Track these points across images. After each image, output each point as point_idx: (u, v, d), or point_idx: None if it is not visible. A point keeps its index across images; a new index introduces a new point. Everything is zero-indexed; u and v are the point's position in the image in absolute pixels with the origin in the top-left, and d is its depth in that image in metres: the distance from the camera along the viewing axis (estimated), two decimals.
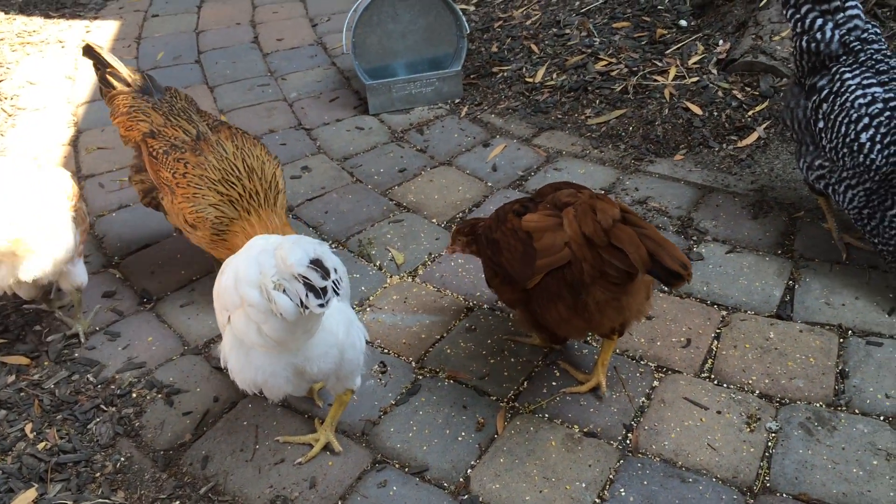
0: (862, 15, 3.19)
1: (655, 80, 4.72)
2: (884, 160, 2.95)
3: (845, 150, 3.07)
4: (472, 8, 6.12)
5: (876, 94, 3.02)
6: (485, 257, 2.86)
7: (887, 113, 2.97)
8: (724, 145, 4.23)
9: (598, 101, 4.70)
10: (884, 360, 2.90)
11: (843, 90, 3.11)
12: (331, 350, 2.38)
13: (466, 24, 4.94)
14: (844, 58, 3.18)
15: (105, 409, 2.92)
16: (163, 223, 3.91)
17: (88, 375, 3.07)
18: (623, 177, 4.06)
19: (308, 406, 2.88)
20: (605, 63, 4.97)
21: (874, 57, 3.13)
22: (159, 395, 2.96)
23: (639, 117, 4.50)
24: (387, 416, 2.83)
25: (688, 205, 3.83)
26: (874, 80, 3.06)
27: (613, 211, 2.36)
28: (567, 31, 5.39)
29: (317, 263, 2.10)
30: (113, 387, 3.01)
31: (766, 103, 4.36)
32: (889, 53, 3.16)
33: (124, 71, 3.51)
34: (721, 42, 4.88)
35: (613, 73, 4.86)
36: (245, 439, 2.76)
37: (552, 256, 2.47)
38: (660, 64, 4.86)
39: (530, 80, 5.01)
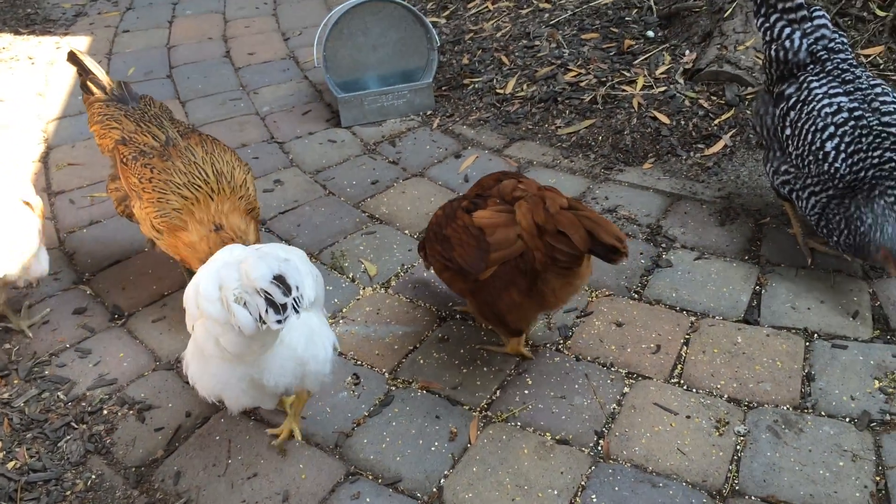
0: (829, 24, 3.28)
1: (624, 91, 4.78)
2: (847, 169, 3.02)
3: (811, 158, 3.13)
4: (443, 20, 6.17)
5: (842, 104, 3.09)
6: (434, 252, 2.93)
7: (851, 122, 3.04)
8: (692, 153, 4.29)
9: (567, 112, 4.75)
10: (849, 363, 2.96)
11: (810, 98, 3.17)
12: (287, 363, 2.38)
13: (437, 37, 4.97)
14: (812, 66, 3.25)
15: (76, 426, 2.90)
16: (134, 238, 3.90)
17: (59, 393, 3.05)
18: (593, 186, 4.10)
19: (281, 420, 2.88)
20: (574, 74, 5.03)
21: (840, 66, 3.20)
22: (131, 412, 2.95)
23: (608, 127, 4.55)
24: (360, 427, 2.84)
25: (657, 212, 3.88)
26: (840, 90, 3.13)
27: (561, 200, 2.55)
28: (537, 42, 5.44)
29: (279, 280, 2.12)
30: (84, 404, 3.00)
31: (731, 112, 4.44)
32: (854, 63, 3.23)
33: (104, 79, 3.55)
34: (687, 52, 4.96)
35: (583, 84, 4.92)
36: (217, 454, 2.75)
37: (506, 250, 2.62)
38: (628, 74, 4.92)
39: (501, 91, 5.05)
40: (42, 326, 3.39)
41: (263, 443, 2.79)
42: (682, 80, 4.74)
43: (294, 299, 2.12)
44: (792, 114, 3.22)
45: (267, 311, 2.08)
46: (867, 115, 3.04)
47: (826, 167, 3.08)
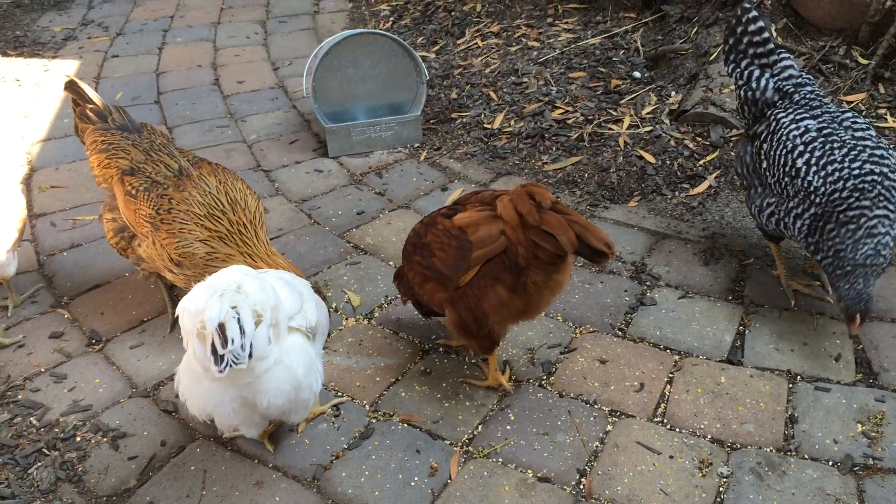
0: (794, 66, 3.41)
1: (610, 129, 4.82)
2: (821, 181, 3.03)
3: (786, 180, 3.16)
4: (432, 55, 6.21)
5: (809, 125, 3.17)
6: (413, 264, 2.93)
7: (821, 139, 3.10)
8: (677, 193, 4.32)
9: (554, 148, 4.78)
10: (832, 406, 2.95)
11: (778, 128, 3.26)
12: (284, 385, 2.38)
13: (426, 71, 5.00)
14: (780, 102, 3.36)
15: (47, 453, 2.83)
16: (114, 263, 3.85)
17: (31, 418, 2.98)
18: None
19: (258, 451, 2.83)
20: (561, 111, 5.07)
21: (807, 97, 3.32)
22: (104, 439, 2.88)
23: (594, 164, 4.58)
24: (339, 460, 2.79)
25: (641, 251, 3.89)
26: (807, 115, 3.22)
27: (549, 194, 2.57)
28: (525, 79, 5.49)
29: (221, 329, 2.09)
30: (56, 430, 2.93)
31: (716, 153, 4.48)
32: (821, 94, 3.35)
33: (102, 106, 3.46)
34: (673, 93, 5.02)
35: (570, 121, 4.96)
36: (192, 485, 2.69)
37: (489, 246, 2.65)
38: (614, 113, 4.97)
39: (489, 126, 5.08)
40: (17, 350, 3.32)
41: (239, 474, 2.73)
42: (667, 121, 4.79)
43: (232, 352, 2.08)
44: (765, 146, 3.29)
45: (210, 356, 2.07)
46: (838, 132, 3.11)
47: (800, 182, 3.09)
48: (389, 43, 4.92)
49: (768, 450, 2.79)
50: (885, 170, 2.99)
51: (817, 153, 3.07)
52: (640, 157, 4.55)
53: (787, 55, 3.42)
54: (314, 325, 2.58)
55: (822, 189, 3.03)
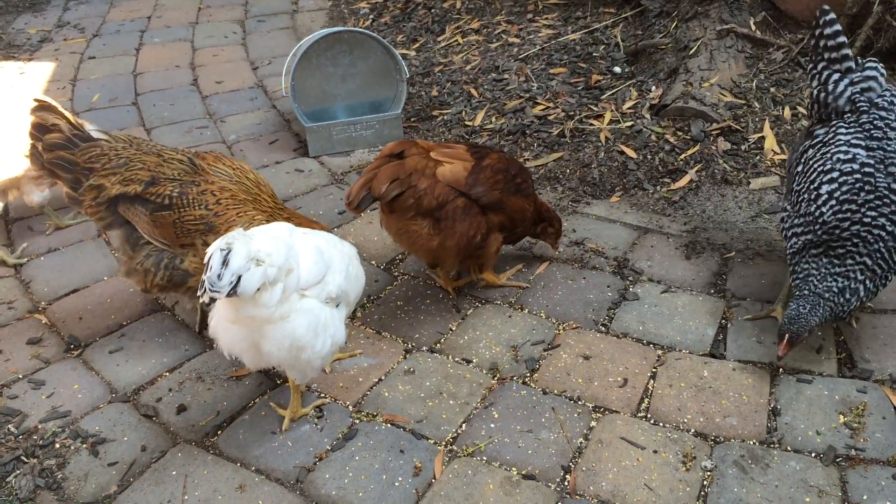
0: (881, 78, 3.18)
1: (591, 124, 4.82)
2: (832, 216, 2.96)
3: (805, 196, 3.07)
4: (413, 53, 6.19)
5: (857, 155, 3.01)
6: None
7: (857, 175, 2.96)
8: (658, 187, 4.32)
9: (535, 145, 4.77)
10: (814, 397, 2.96)
11: (830, 141, 3.12)
12: (284, 341, 2.55)
13: (406, 69, 4.98)
14: (848, 115, 3.18)
15: (26, 460, 2.79)
16: (93, 267, 3.81)
17: (9, 426, 2.94)
18: (561, 219, 4.10)
19: (240, 454, 2.80)
20: (542, 107, 5.06)
21: (875, 122, 3.07)
22: (84, 446, 2.85)
23: (575, 160, 4.57)
24: (322, 462, 2.77)
25: (624, 246, 3.89)
26: (863, 143, 3.03)
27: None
28: (506, 76, 5.48)
29: (208, 260, 2.32)
30: (35, 437, 2.89)
31: (697, 147, 4.48)
32: (894, 124, 3.07)
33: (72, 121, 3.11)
34: (654, 88, 5.03)
35: (551, 118, 4.95)
36: (173, 490, 2.66)
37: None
38: (595, 108, 4.97)
39: (470, 123, 5.07)
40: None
41: (221, 478, 2.70)
42: (648, 116, 4.79)
43: (209, 279, 2.28)
44: (810, 151, 3.17)
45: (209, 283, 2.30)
46: (878, 174, 2.95)
47: (813, 209, 3.02)
48: (369, 41, 4.90)
49: (751, 443, 2.80)
50: None
51: (844, 188, 2.96)
52: (622, 153, 4.55)
53: (875, 65, 3.19)
54: (336, 296, 2.70)
55: (830, 222, 2.96)
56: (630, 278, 3.66)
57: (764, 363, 3.13)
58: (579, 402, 3.00)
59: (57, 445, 2.85)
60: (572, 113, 4.95)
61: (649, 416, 2.93)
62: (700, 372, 3.10)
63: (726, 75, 4.83)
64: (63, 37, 7.06)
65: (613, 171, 4.46)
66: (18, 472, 2.75)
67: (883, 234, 2.91)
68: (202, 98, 5.77)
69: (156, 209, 2.96)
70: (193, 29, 7.11)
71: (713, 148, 4.45)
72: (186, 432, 2.90)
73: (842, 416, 2.87)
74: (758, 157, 4.37)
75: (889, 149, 3.01)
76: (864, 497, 2.56)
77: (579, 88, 5.23)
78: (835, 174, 2.99)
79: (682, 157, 4.46)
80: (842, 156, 3.02)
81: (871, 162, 2.98)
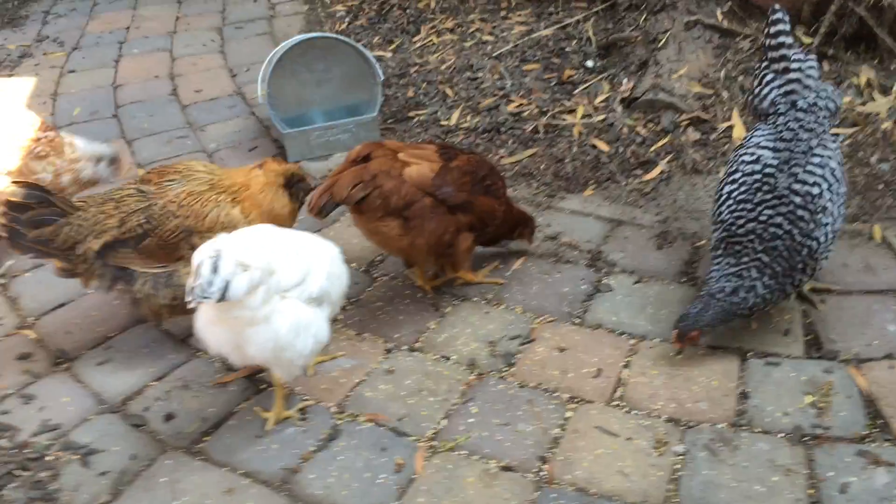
0: (809, 80, 3.21)
1: (564, 119, 4.90)
2: (729, 215, 3.07)
3: (715, 196, 3.22)
4: (389, 54, 6.25)
5: (762, 156, 3.08)
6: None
7: (757, 176, 3.05)
8: (631, 180, 4.41)
9: (510, 142, 4.86)
10: (782, 379, 3.06)
11: (745, 144, 3.21)
12: (267, 344, 2.67)
13: (381, 71, 5.05)
14: (770, 117, 3.23)
15: (19, 474, 2.87)
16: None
17: (2, 440, 3.01)
18: (536, 214, 4.18)
19: (227, 458, 2.89)
20: (517, 104, 5.14)
21: (789, 125, 3.12)
22: (75, 457, 2.92)
23: (550, 156, 4.66)
24: (307, 463, 2.85)
25: (598, 238, 3.98)
26: (771, 144, 3.10)
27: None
28: (480, 74, 5.56)
29: (198, 267, 2.43)
30: (27, 451, 2.96)
31: (667, 138, 4.58)
32: (812, 125, 3.10)
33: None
34: (625, 81, 5.11)
35: (525, 114, 5.03)
36: (163, 496, 2.74)
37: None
38: (568, 103, 5.05)
39: (445, 122, 5.14)
40: None
41: (209, 482, 2.79)
42: (620, 109, 4.88)
43: (199, 286, 2.39)
44: (732, 154, 3.29)
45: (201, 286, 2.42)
46: (779, 175, 3.02)
47: (715, 208, 3.16)
48: (343, 46, 4.97)
49: (721, 426, 2.89)
50: (796, 231, 2.96)
51: (742, 188, 3.05)
52: (595, 146, 4.64)
53: (809, 64, 3.23)
54: (317, 296, 2.80)
55: (727, 220, 3.06)
56: (604, 270, 3.75)
57: (733, 348, 3.23)
58: (555, 394, 3.09)
59: (49, 458, 2.93)
60: (546, 109, 5.03)
61: (623, 404, 3.03)
62: (672, 359, 3.19)
63: (695, 66, 4.91)
64: (43, 51, 7.08)
65: (587, 165, 4.54)
66: (12, 485, 2.82)
67: (779, 231, 2.98)
68: (182, 108, 5.83)
69: (137, 243, 3.12)
70: (172, 38, 7.15)
71: (683, 139, 4.55)
72: (174, 439, 2.98)
73: (808, 397, 2.97)
74: (727, 146, 4.47)
75: (797, 150, 3.06)
76: (830, 474, 2.66)
77: (552, 84, 5.31)
78: (737, 175, 3.10)
79: (654, 148, 4.55)
80: (747, 157, 3.13)
81: (775, 163, 3.04)
